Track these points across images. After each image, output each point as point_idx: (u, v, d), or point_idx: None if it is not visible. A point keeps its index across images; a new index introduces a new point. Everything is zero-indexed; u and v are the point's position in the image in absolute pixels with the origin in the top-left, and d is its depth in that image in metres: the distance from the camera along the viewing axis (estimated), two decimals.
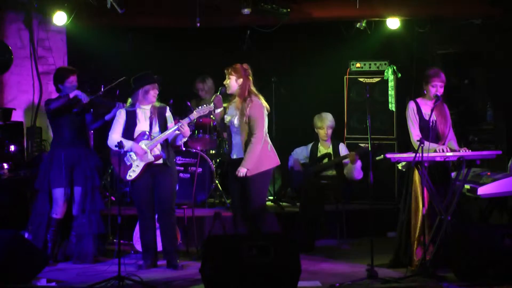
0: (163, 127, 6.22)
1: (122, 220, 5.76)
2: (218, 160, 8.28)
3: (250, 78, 6.15)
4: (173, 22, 8.51)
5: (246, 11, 7.86)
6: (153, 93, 6.22)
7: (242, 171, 5.95)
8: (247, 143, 6.03)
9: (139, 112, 6.25)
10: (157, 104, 6.31)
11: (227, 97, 8.16)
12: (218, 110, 6.22)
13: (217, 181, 8.07)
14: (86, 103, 6.41)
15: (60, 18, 7.86)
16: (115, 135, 6.18)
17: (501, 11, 7.90)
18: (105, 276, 5.65)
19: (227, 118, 6.18)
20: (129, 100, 6.30)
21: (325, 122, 7.44)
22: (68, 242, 6.49)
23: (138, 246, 6.66)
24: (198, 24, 7.84)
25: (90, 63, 8.41)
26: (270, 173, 6.19)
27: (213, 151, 8.27)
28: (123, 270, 5.50)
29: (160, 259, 6.40)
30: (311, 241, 7.12)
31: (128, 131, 6.20)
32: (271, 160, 6.15)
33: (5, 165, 6.89)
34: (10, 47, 7.67)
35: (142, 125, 6.21)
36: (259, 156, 6.00)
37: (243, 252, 5.06)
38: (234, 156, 6.15)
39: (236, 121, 6.08)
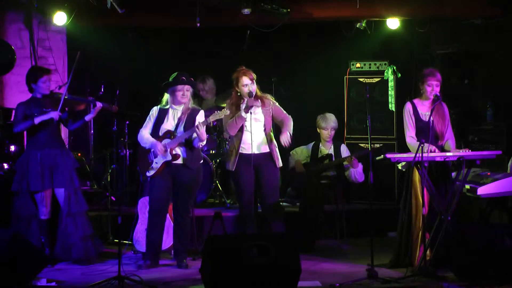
0: (188, 129, 6.24)
1: (122, 220, 5.76)
2: (218, 160, 8.28)
3: None
4: (173, 22, 8.51)
5: (246, 11, 7.86)
6: (180, 94, 6.27)
7: (287, 136, 6.34)
8: (270, 136, 6.42)
9: (171, 111, 6.35)
10: (192, 105, 6.37)
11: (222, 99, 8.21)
12: (246, 115, 6.32)
13: (217, 181, 8.07)
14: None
15: (60, 18, 7.87)
16: (144, 131, 6.37)
17: (501, 11, 7.90)
18: (105, 276, 5.66)
19: (254, 116, 6.33)
20: (164, 99, 6.39)
21: (329, 123, 7.44)
22: (60, 246, 6.41)
23: (138, 246, 6.67)
24: (198, 24, 7.84)
25: (90, 63, 8.41)
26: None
27: (213, 151, 8.27)
28: (123, 270, 5.50)
29: (161, 259, 6.41)
30: (311, 241, 7.12)
31: (155, 129, 6.33)
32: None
33: (5, 165, 6.88)
34: (13, 47, 7.67)
35: (169, 124, 6.30)
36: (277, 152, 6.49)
37: (243, 252, 5.07)
38: (255, 151, 6.35)
39: (261, 117, 6.37)
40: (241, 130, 6.38)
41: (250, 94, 6.32)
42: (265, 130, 6.42)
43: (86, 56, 8.45)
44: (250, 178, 6.41)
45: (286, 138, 6.33)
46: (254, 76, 6.41)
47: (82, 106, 6.47)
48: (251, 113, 6.27)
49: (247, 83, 6.35)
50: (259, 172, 6.41)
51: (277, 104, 6.54)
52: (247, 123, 6.34)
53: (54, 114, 6.25)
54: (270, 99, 6.52)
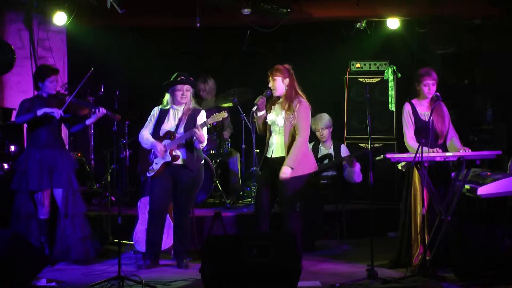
0: (188, 130, 6.22)
1: (122, 220, 5.76)
2: (218, 160, 8.28)
3: (294, 77, 6.22)
4: (173, 22, 8.52)
5: (246, 11, 7.86)
6: (180, 94, 6.27)
7: (286, 171, 5.96)
8: (290, 144, 6.06)
9: (171, 111, 6.35)
10: (192, 106, 6.36)
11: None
12: (261, 113, 6.19)
13: (217, 181, 8.07)
14: (61, 114, 6.22)
15: (60, 18, 7.88)
16: (144, 131, 6.36)
17: (501, 11, 7.90)
18: (105, 276, 5.66)
19: (272, 117, 6.17)
20: (165, 99, 6.38)
21: (319, 124, 7.42)
22: (58, 247, 6.40)
23: (138, 246, 6.67)
24: (198, 24, 7.85)
25: (90, 63, 8.41)
26: (306, 177, 6.13)
27: (213, 151, 8.27)
28: (123, 270, 5.50)
29: (161, 259, 6.41)
30: (311, 241, 7.12)
31: (156, 129, 6.32)
32: (310, 165, 6.20)
33: (5, 165, 6.88)
34: (13, 47, 7.67)
35: (169, 124, 6.30)
36: (300, 159, 6.05)
37: (243, 252, 5.07)
38: (272, 155, 6.19)
39: (280, 121, 6.12)
40: (268, 131, 6.25)
41: (266, 93, 6.22)
42: (283, 134, 6.14)
43: (86, 56, 8.50)
44: (267, 181, 6.22)
45: (287, 173, 5.96)
46: (278, 74, 6.18)
47: (86, 111, 6.48)
48: (255, 113, 6.14)
49: (269, 81, 6.24)
50: (277, 176, 6.10)
51: (301, 113, 6.08)
52: (273, 127, 6.21)
53: (58, 112, 6.22)
54: (298, 104, 6.08)
